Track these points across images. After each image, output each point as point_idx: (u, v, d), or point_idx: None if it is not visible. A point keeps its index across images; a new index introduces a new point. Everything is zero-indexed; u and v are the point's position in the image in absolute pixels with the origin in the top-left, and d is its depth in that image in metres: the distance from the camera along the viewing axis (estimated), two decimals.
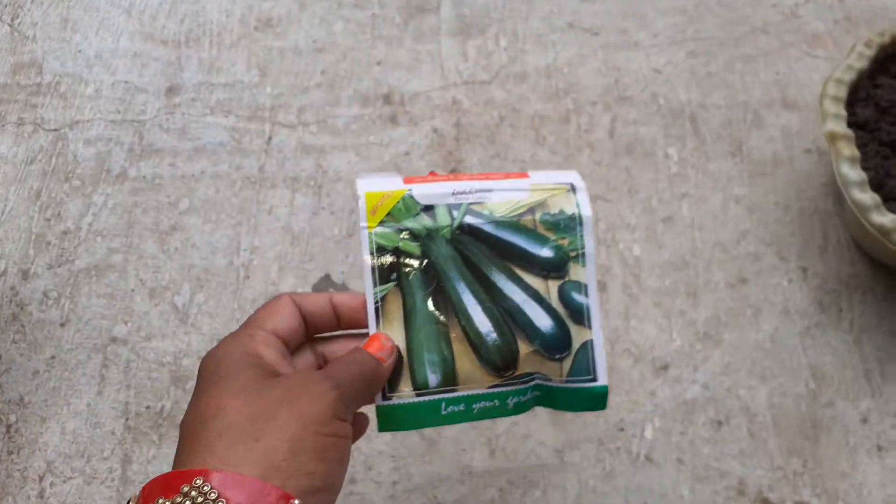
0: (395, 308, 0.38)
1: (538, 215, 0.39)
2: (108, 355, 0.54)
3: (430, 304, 0.38)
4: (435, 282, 0.38)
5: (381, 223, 0.38)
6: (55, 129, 0.62)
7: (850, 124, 0.54)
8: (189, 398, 0.34)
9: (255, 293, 0.56)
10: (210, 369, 0.34)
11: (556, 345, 0.38)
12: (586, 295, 0.39)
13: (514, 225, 0.39)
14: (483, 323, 0.38)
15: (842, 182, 0.51)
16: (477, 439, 0.52)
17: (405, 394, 0.37)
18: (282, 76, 0.65)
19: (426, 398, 0.37)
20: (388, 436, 0.52)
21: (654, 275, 0.57)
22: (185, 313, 0.56)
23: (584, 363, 0.39)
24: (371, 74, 0.65)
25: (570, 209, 0.39)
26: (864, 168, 0.52)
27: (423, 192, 0.39)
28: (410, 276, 0.38)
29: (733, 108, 0.64)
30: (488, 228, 0.39)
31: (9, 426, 0.52)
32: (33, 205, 0.59)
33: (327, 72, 0.65)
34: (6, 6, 0.68)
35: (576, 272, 0.39)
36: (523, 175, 0.40)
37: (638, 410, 0.53)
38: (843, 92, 0.54)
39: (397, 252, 0.38)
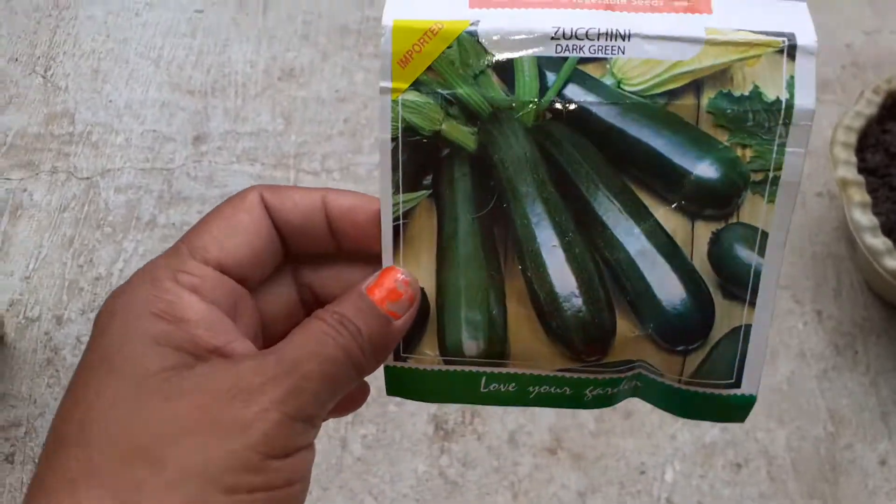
0: (426, 232, 0.24)
1: (708, 97, 0.22)
2: None
3: (481, 233, 0.24)
4: (495, 198, 0.24)
5: (416, 84, 0.23)
6: (87, 178, 0.64)
7: (861, 170, 0.55)
8: None
9: None
10: (98, 333, 0.22)
11: (683, 330, 0.24)
12: (762, 252, 0.23)
13: (658, 112, 0.23)
14: (563, 278, 0.24)
15: (854, 227, 0.53)
16: (500, 483, 0.53)
17: (428, 358, 0.25)
18: (305, 125, 0.67)
19: (458, 368, 0.26)
20: (412, 478, 0.53)
21: None
22: None
23: (727, 359, 0.24)
24: None
25: (773, 90, 0.22)
26: (876, 213, 0.53)
27: (500, 28, 0.23)
28: (456, 184, 0.24)
29: None
30: (607, 114, 0.23)
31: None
32: (66, 251, 0.61)
33: (349, 120, 0.67)
34: (39, 59, 0.71)
35: (753, 210, 0.23)
36: (701, 4, 0.23)
37: (658, 454, 0.54)
38: (852, 138, 0.56)
39: (437, 139, 0.23)
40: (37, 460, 0.53)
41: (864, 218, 0.52)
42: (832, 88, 0.68)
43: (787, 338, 0.57)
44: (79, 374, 0.22)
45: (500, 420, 0.54)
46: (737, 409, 0.25)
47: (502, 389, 0.26)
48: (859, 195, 0.53)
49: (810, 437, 0.54)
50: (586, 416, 0.55)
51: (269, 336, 0.25)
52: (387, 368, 0.26)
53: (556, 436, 0.54)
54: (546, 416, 0.55)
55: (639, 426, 0.54)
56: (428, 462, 0.53)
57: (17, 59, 0.71)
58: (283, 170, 0.64)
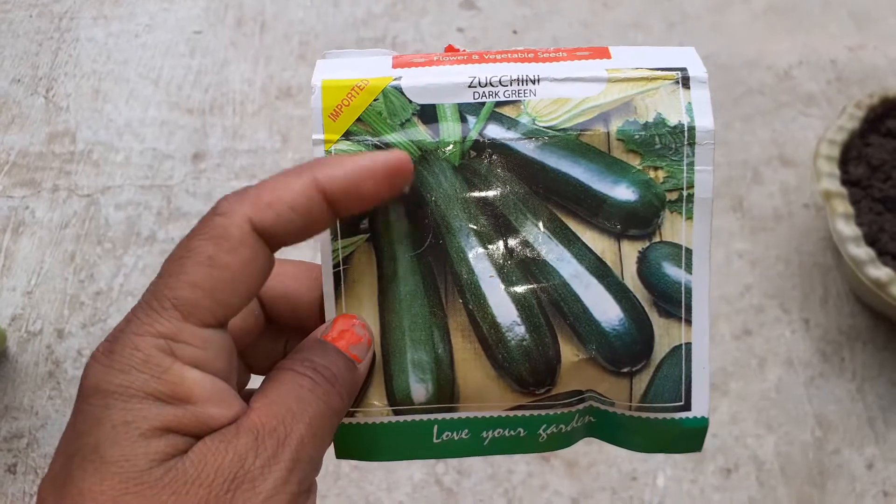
0: (367, 275, 0.24)
1: (616, 125, 0.24)
2: None
3: (420, 271, 0.24)
4: (430, 236, 0.24)
5: (347, 135, 0.24)
6: (88, 195, 0.66)
7: (844, 182, 0.56)
8: None
9: None
10: (88, 414, 0.19)
11: (625, 349, 0.24)
12: (689, 268, 0.24)
13: (572, 143, 0.24)
14: (504, 308, 0.24)
15: (837, 238, 0.54)
16: (495, 490, 0.54)
17: (376, 409, 0.25)
18: (302, 142, 0.68)
19: (409, 418, 0.25)
20: (408, 486, 0.54)
21: None
22: None
23: (672, 380, 0.25)
24: None
25: (674, 115, 0.24)
26: (859, 224, 0.54)
27: (420, 81, 0.24)
28: (392, 225, 0.24)
29: (733, 165, 0.67)
30: (526, 148, 0.24)
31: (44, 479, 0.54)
32: (68, 267, 0.62)
33: None
34: (41, 79, 0.72)
35: (673, 228, 0.24)
36: (600, 52, 0.25)
37: (650, 460, 0.54)
38: (835, 151, 0.57)
39: None
40: (38, 471, 0.54)
41: (847, 228, 0.54)
42: (817, 103, 0.70)
43: (775, 345, 0.59)
44: (67, 461, 0.19)
45: None
46: (691, 435, 0.25)
47: (455, 438, 0.25)
48: (842, 206, 0.54)
49: (798, 443, 0.55)
50: None
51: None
52: (345, 427, 0.25)
53: None
54: None
55: None
56: (424, 470, 0.54)
57: (19, 80, 0.72)
58: None
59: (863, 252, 0.53)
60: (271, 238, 0.21)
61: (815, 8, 0.76)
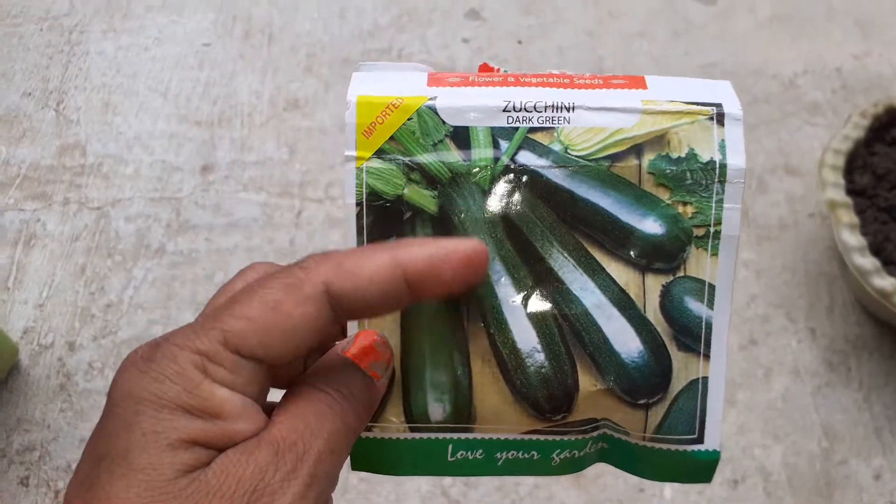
0: None
1: (648, 158, 0.24)
2: None
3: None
4: None
5: (379, 153, 0.24)
6: (98, 208, 0.66)
7: (849, 191, 0.57)
8: None
9: None
10: (120, 418, 0.20)
11: (643, 382, 0.25)
12: (711, 304, 0.25)
13: (603, 173, 0.24)
14: (525, 335, 0.25)
15: (842, 248, 0.54)
16: (502, 502, 0.54)
17: (393, 426, 0.26)
18: (309, 154, 0.69)
19: (425, 436, 0.26)
20: (416, 498, 0.54)
21: None
22: None
23: (687, 413, 0.25)
24: None
25: (706, 152, 0.24)
26: (864, 233, 0.55)
27: (455, 103, 0.25)
28: None
29: None
30: (556, 176, 0.24)
31: (57, 492, 0.55)
32: (78, 280, 0.63)
33: None
34: (52, 93, 0.73)
35: (698, 263, 0.25)
36: (636, 82, 0.25)
37: None
38: (840, 161, 0.57)
39: (400, 203, 0.25)
40: (50, 483, 0.54)
41: (852, 238, 0.54)
42: (822, 112, 0.70)
43: (781, 355, 0.59)
44: (96, 464, 0.20)
45: None
46: (702, 467, 0.26)
47: (470, 457, 0.26)
48: (847, 216, 0.54)
49: (805, 453, 0.55)
50: None
51: None
52: (363, 441, 0.26)
53: None
54: None
55: None
56: (431, 482, 0.54)
57: (30, 94, 0.73)
58: (288, 197, 0.66)
59: (868, 262, 0.53)
60: (342, 306, 0.21)
61: (820, 15, 0.76)
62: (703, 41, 0.75)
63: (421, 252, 0.21)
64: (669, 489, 0.54)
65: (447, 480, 0.54)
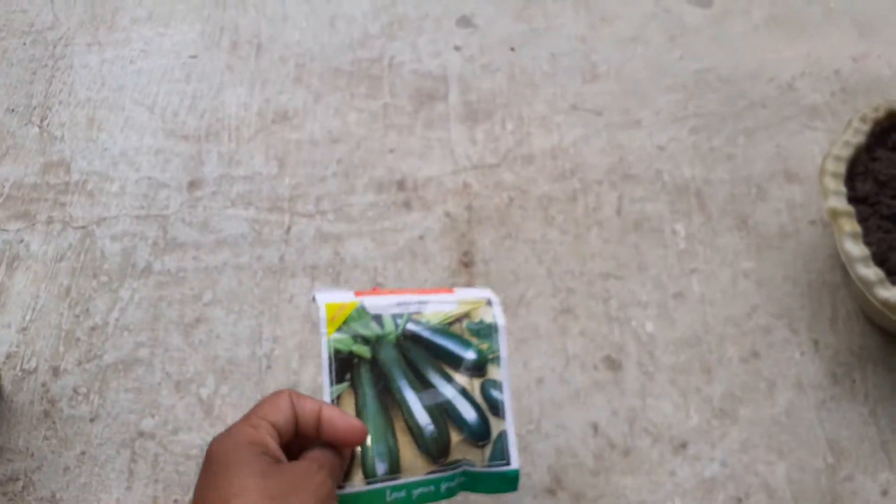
0: (349, 405, 0.43)
1: (464, 324, 0.46)
2: (136, 450, 0.56)
3: (378, 400, 0.43)
4: (382, 381, 0.43)
5: (339, 330, 0.44)
6: (83, 227, 0.65)
7: (851, 199, 0.55)
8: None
9: (277, 383, 0.58)
10: (222, 453, 0.37)
11: (479, 433, 0.44)
12: (501, 392, 0.45)
13: (446, 331, 0.46)
14: (422, 416, 0.43)
15: (845, 258, 0.52)
16: None
17: (357, 482, 0.41)
18: (299, 167, 0.67)
19: (375, 486, 0.42)
20: None
21: (668, 351, 0.58)
22: (210, 405, 0.57)
23: (501, 449, 0.45)
24: (384, 162, 0.67)
25: (488, 319, 0.47)
26: (867, 243, 0.53)
27: (373, 303, 0.45)
28: (362, 376, 0.43)
29: (737, 182, 0.65)
30: (426, 334, 0.45)
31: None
32: (63, 301, 0.61)
33: (342, 161, 0.67)
34: (35, 108, 0.72)
35: (493, 372, 0.46)
36: (450, 291, 0.48)
37: (659, 491, 0.53)
38: (841, 168, 0.56)
39: (351, 355, 0.43)
40: None
41: (855, 248, 0.52)
42: (822, 115, 0.68)
43: (784, 368, 0.57)
44: (217, 471, 0.37)
45: None
46: (512, 479, 0.45)
47: (398, 496, 0.42)
48: (850, 225, 0.53)
49: (810, 469, 0.54)
50: (585, 454, 0.55)
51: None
52: (339, 496, 0.41)
53: (555, 476, 0.54)
54: (545, 457, 0.55)
55: (638, 463, 0.54)
56: None
57: (13, 110, 0.71)
58: (277, 213, 0.65)
59: (871, 273, 0.51)
60: (296, 411, 0.41)
61: (817, 17, 0.75)
62: (698, 45, 0.73)
63: (335, 413, 0.41)
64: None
65: None
